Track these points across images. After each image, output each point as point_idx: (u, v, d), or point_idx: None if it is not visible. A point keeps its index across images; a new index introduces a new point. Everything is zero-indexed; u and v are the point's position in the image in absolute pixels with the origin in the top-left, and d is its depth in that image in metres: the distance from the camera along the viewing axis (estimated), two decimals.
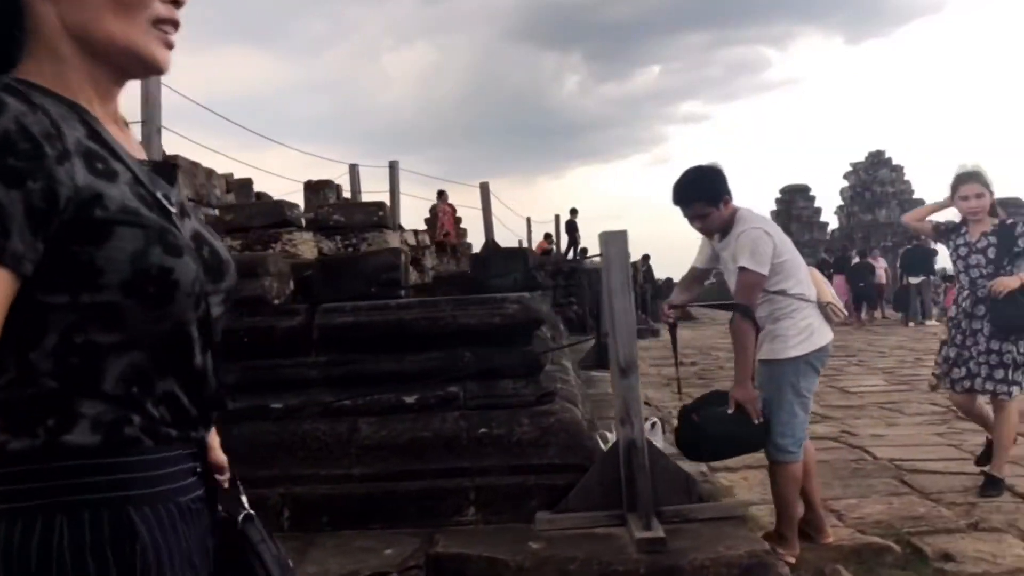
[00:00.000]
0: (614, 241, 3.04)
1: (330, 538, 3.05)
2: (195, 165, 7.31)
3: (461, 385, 3.35)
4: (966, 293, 4.15)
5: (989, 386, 4.07)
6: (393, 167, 10.88)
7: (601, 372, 8.50)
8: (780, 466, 3.33)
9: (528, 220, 19.64)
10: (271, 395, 3.36)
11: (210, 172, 7.70)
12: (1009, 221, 4.16)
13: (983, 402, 4.29)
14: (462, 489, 3.12)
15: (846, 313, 3.49)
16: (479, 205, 13.39)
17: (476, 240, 23.45)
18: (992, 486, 4.13)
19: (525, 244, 19.89)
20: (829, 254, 19.64)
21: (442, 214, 19.78)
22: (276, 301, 3.50)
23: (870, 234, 29.24)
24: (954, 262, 4.24)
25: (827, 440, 5.62)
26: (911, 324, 16.59)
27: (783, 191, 39.95)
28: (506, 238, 21.15)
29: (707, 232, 3.41)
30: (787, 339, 3.26)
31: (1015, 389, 4.06)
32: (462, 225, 24.89)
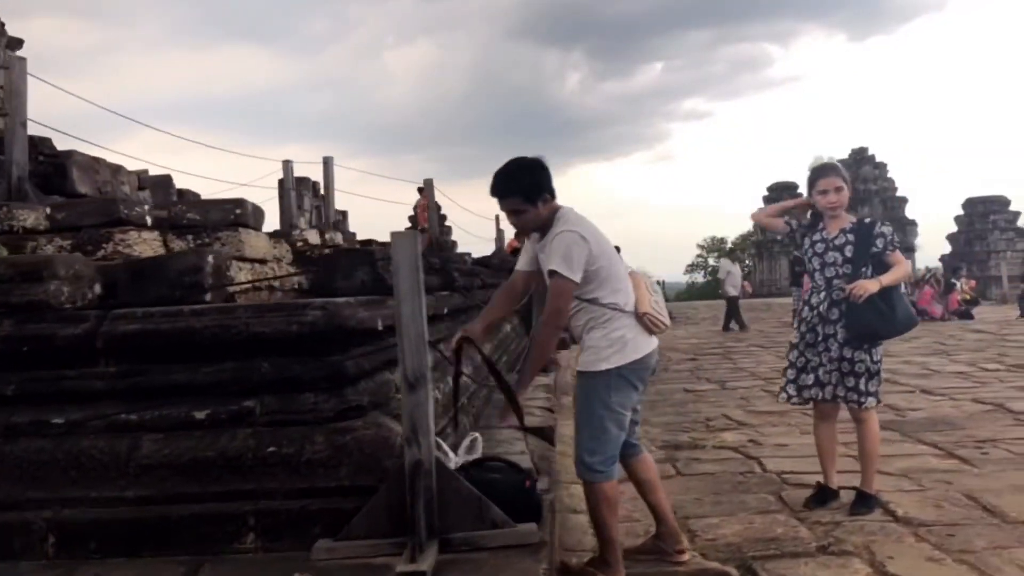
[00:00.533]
0: (402, 244, 2.78)
1: (95, 567, 2.79)
2: (96, 160, 7.05)
3: (258, 399, 3.09)
4: (822, 295, 3.89)
5: (840, 392, 3.83)
6: (327, 163, 10.63)
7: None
8: (589, 486, 3.10)
9: (497, 218, 19.37)
10: (54, 409, 3.10)
11: (117, 168, 7.44)
12: (867, 220, 3.92)
13: (836, 428, 4.06)
14: (241, 514, 2.86)
15: (668, 324, 3.23)
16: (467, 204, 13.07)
17: (462, 237, 23.26)
18: (863, 503, 3.87)
19: (494, 243, 19.65)
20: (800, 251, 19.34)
21: (420, 209, 19.52)
22: (69, 306, 3.24)
23: None
24: (809, 259, 3.98)
25: (727, 450, 5.38)
26: None
27: (771, 189, 39.62)
28: (462, 237, 20.75)
29: (523, 229, 3.19)
30: (599, 351, 3.03)
31: (870, 400, 3.81)
32: (447, 223, 24.66)
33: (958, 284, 17.53)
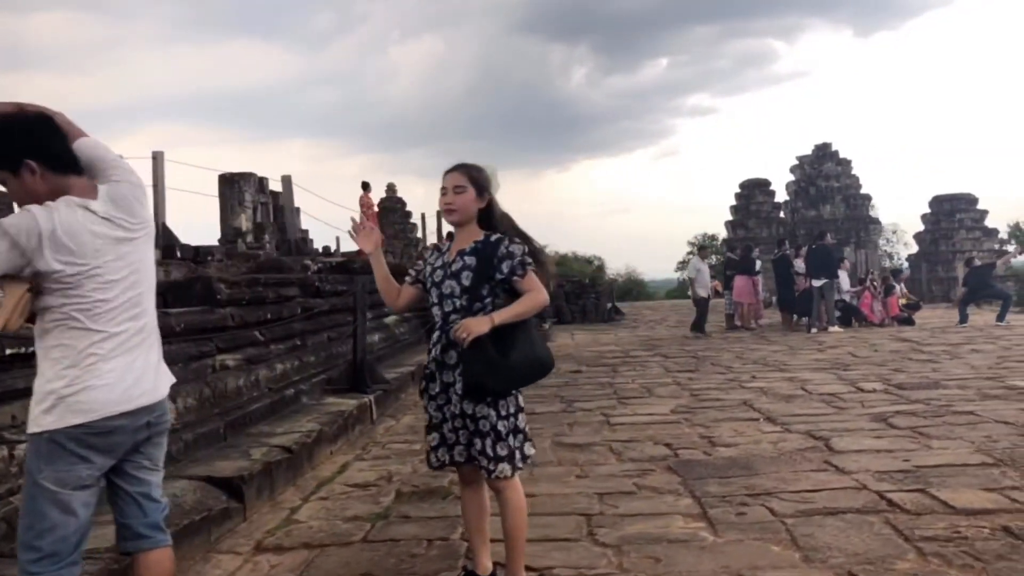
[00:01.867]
0: None
1: None
2: None
3: None
4: (437, 334, 3.03)
5: (471, 454, 2.99)
6: (156, 159, 9.76)
7: (346, 397, 7.41)
8: None
9: (423, 216, 18.50)
10: None
11: None
12: (494, 237, 3.01)
13: (485, 496, 3.22)
14: None
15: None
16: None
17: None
18: None
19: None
20: (734, 252, 18.39)
21: (364, 207, 18.61)
22: None
23: (813, 231, 27.91)
24: (428, 289, 3.10)
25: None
26: (813, 330, 15.50)
27: (742, 185, 38.74)
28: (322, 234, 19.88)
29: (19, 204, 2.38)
30: (34, 404, 2.29)
31: (502, 466, 2.96)
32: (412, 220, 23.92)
33: (898, 288, 16.65)
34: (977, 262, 16.39)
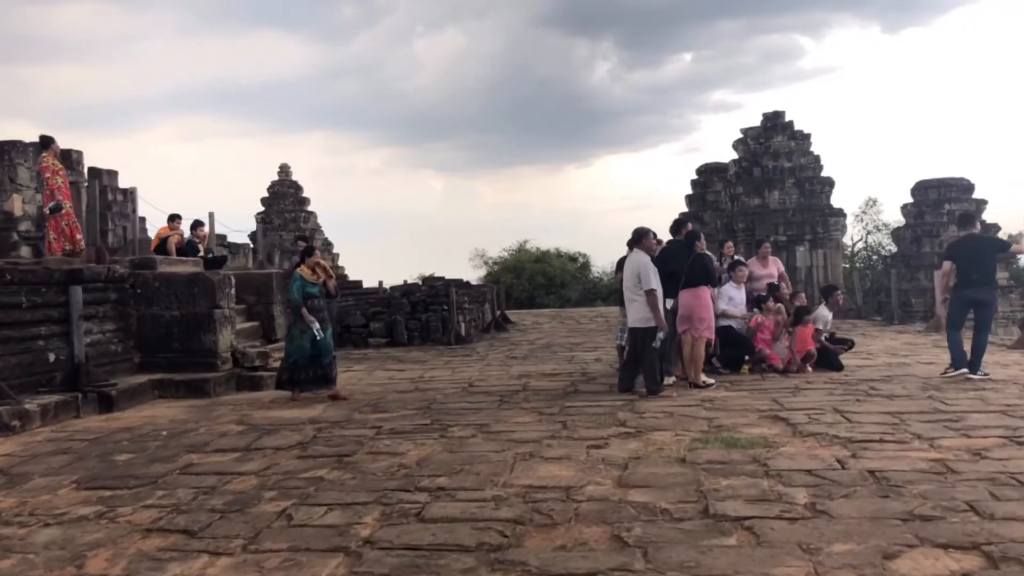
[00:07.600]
0: None
1: None
2: None
3: None
4: None
5: None
6: None
7: None
8: None
9: (130, 194, 12.50)
10: None
11: None
12: None
13: None
14: None
15: None
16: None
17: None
18: None
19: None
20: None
21: (49, 173, 12.53)
22: None
23: (755, 224, 21.64)
24: None
25: None
26: (670, 380, 9.44)
27: (699, 171, 32.61)
28: None
29: None
30: None
31: None
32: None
33: (813, 315, 10.46)
34: (976, 227, 9.69)
